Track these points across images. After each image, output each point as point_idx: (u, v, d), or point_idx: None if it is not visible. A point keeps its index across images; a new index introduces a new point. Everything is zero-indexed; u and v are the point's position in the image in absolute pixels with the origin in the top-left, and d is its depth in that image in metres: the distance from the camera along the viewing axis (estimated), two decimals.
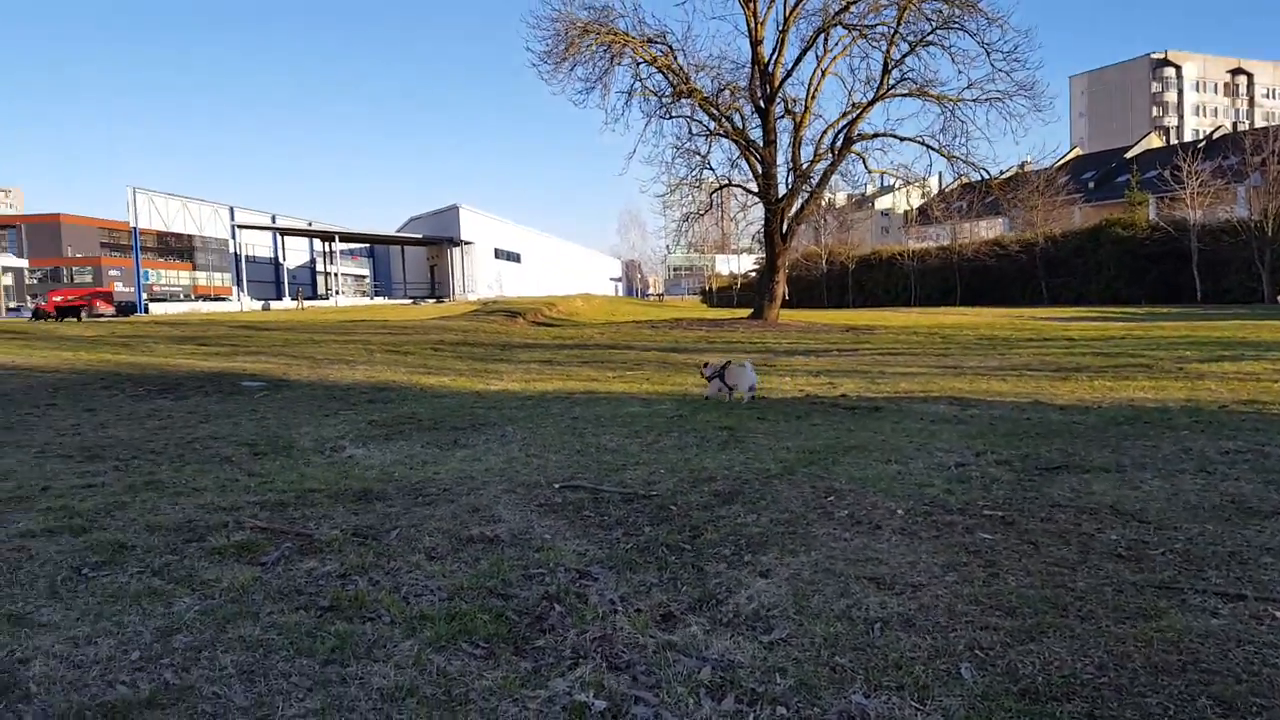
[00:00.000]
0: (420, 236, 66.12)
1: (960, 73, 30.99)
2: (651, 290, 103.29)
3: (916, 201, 63.92)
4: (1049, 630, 3.03)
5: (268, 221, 61.88)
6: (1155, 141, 77.86)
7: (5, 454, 6.51)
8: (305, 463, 6.12)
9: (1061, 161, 62.74)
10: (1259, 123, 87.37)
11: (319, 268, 68.81)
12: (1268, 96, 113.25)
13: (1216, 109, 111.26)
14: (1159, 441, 6.54)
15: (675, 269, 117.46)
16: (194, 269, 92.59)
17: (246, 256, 60.18)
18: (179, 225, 54.69)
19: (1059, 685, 2.62)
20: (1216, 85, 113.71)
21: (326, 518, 4.56)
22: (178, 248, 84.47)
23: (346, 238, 65.22)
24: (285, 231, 62.14)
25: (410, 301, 59.06)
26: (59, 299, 48.10)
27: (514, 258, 76.67)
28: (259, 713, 2.49)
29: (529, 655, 2.86)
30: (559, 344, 20.50)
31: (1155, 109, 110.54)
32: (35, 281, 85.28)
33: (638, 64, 28.34)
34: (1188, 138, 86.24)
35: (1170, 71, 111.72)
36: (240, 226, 58.33)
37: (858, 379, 11.80)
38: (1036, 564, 3.76)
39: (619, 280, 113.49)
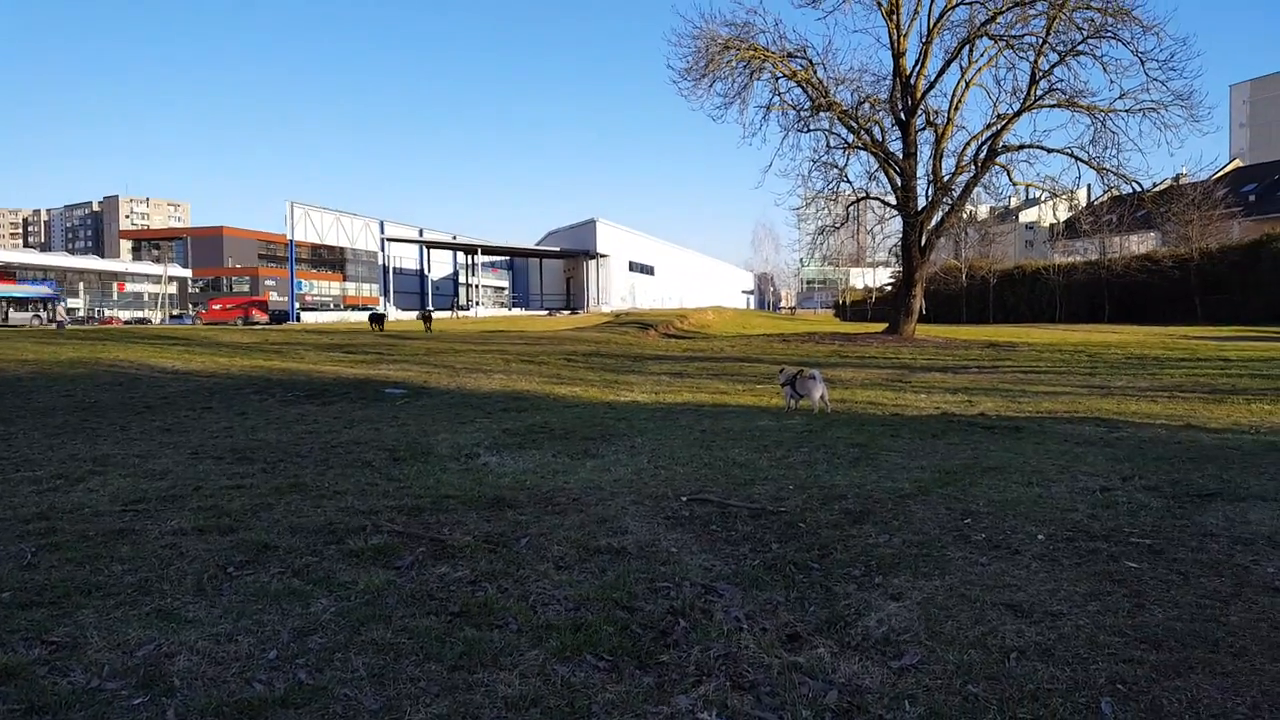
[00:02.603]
0: (558, 250, 68.01)
1: (1112, 82, 29.16)
2: (784, 303, 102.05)
3: (1063, 215, 60.42)
4: (1198, 666, 2.85)
5: (415, 235, 65.22)
6: None
7: (163, 454, 7.05)
8: (441, 469, 6.40)
9: (1220, 173, 57.85)
10: None
11: (461, 279, 71.88)
12: None
13: None
14: None
15: (808, 282, 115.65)
16: (344, 280, 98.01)
17: (394, 269, 63.59)
18: (332, 238, 58.39)
19: None
20: None
21: (460, 524, 4.74)
22: (329, 259, 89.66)
23: (488, 251, 67.85)
24: (431, 245, 65.30)
25: (546, 313, 60.76)
26: (218, 307, 52.36)
27: (647, 270, 77.64)
28: (388, 716, 2.58)
29: (652, 670, 2.88)
30: (689, 356, 20.60)
31: None
32: (197, 290, 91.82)
33: (777, 78, 28.22)
34: None
35: None
36: (389, 240, 61.78)
37: (998, 397, 11.30)
38: (1186, 595, 3.54)
39: (751, 293, 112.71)
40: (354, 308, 74.27)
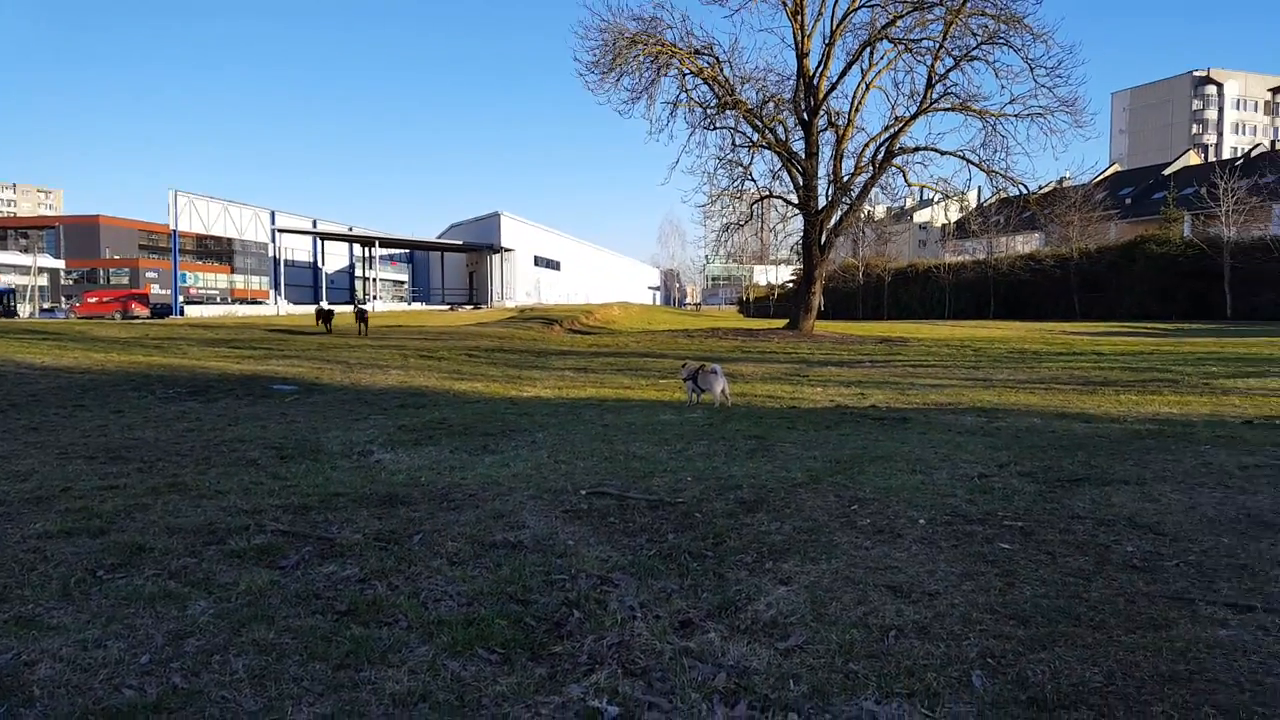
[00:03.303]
0: (460, 243, 66.80)
1: (1003, 88, 30.99)
2: (689, 300, 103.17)
3: (955, 216, 63.36)
4: (1061, 639, 3.03)
5: (308, 226, 62.87)
6: (1194, 159, 76.49)
7: (28, 454, 6.61)
8: (332, 466, 6.22)
9: (1100, 177, 61.86)
10: None
11: (358, 273, 69.80)
12: None
13: (1256, 127, 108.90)
14: (1181, 455, 6.48)
15: (713, 279, 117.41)
16: (232, 272, 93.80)
17: (286, 261, 61.19)
18: (219, 228, 55.72)
19: (1067, 693, 2.63)
20: (1257, 103, 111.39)
21: (350, 522, 4.62)
22: (216, 250, 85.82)
23: (386, 243, 66.07)
24: (326, 236, 63.09)
25: (448, 308, 59.65)
26: (94, 300, 48.93)
27: (553, 265, 77.17)
28: (268, 717, 2.51)
29: (545, 661, 2.89)
30: (594, 351, 20.62)
31: (1195, 126, 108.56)
32: (71, 282, 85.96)
33: (684, 75, 28.53)
34: (1226, 155, 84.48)
35: (1211, 89, 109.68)
36: (281, 230, 59.36)
37: (888, 390, 11.74)
38: (1052, 574, 3.75)
39: (657, 289, 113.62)
40: (243, 301, 71.24)
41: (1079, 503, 5.02)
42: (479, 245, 65.70)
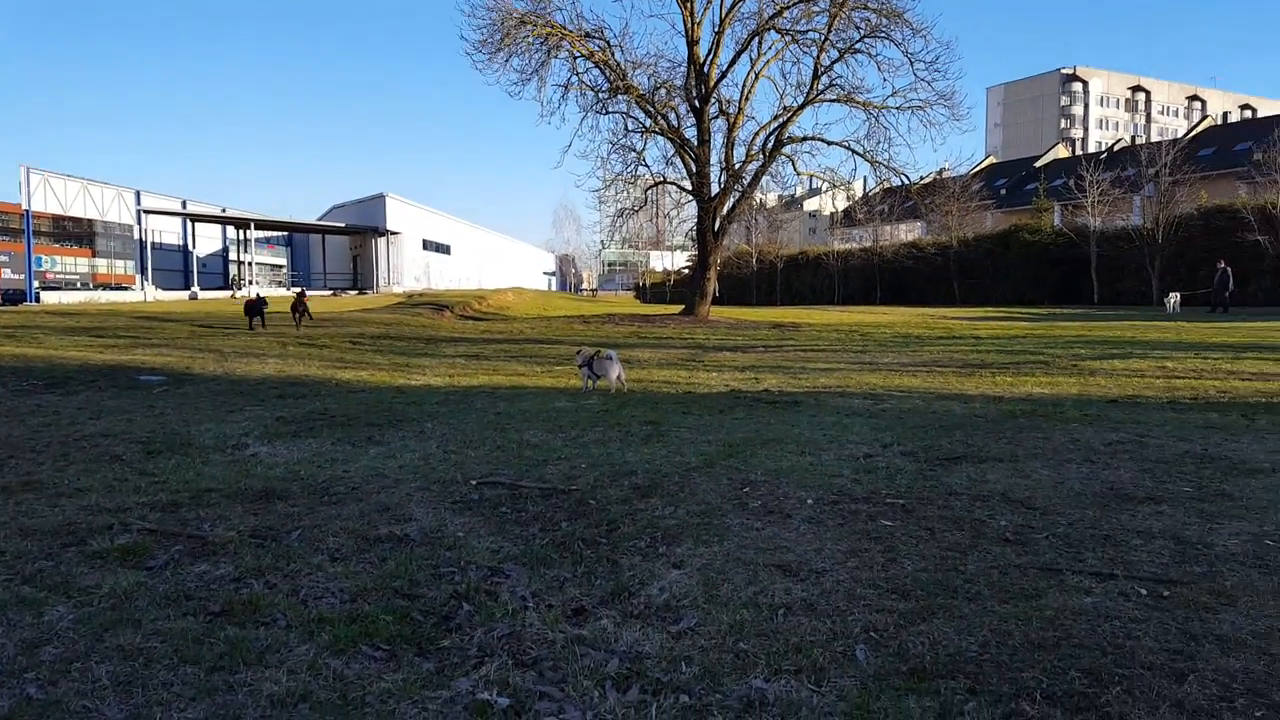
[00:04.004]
0: (343, 225, 64.51)
1: (885, 81, 32.28)
2: (585, 285, 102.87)
3: (842, 204, 65.52)
4: (939, 611, 3.16)
5: (177, 207, 59.48)
6: (1062, 152, 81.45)
7: None
8: (204, 461, 5.89)
9: (977, 169, 65.21)
10: (1154, 137, 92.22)
11: (233, 257, 66.46)
12: (1163, 113, 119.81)
13: (1118, 123, 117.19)
14: (1050, 433, 6.87)
15: (610, 264, 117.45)
16: (94, 256, 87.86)
17: (153, 244, 57.64)
18: (78, 209, 52.12)
19: (944, 663, 2.73)
20: (1119, 100, 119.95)
21: (223, 518, 4.40)
22: (76, 233, 79.98)
23: (263, 225, 63.19)
24: (197, 218, 59.84)
25: (331, 293, 57.54)
26: None
27: (443, 249, 75.43)
28: None
29: (433, 656, 2.82)
30: (487, 338, 20.29)
31: (1063, 121, 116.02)
32: None
33: (575, 58, 28.25)
34: (1091, 149, 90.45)
35: (1078, 86, 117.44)
36: (147, 211, 55.87)
37: (781, 374, 12.00)
38: (931, 549, 3.90)
39: (553, 275, 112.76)
40: (106, 287, 66.82)
41: (956, 480, 5.24)
42: (363, 228, 63.66)
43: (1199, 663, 2.71)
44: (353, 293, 57.33)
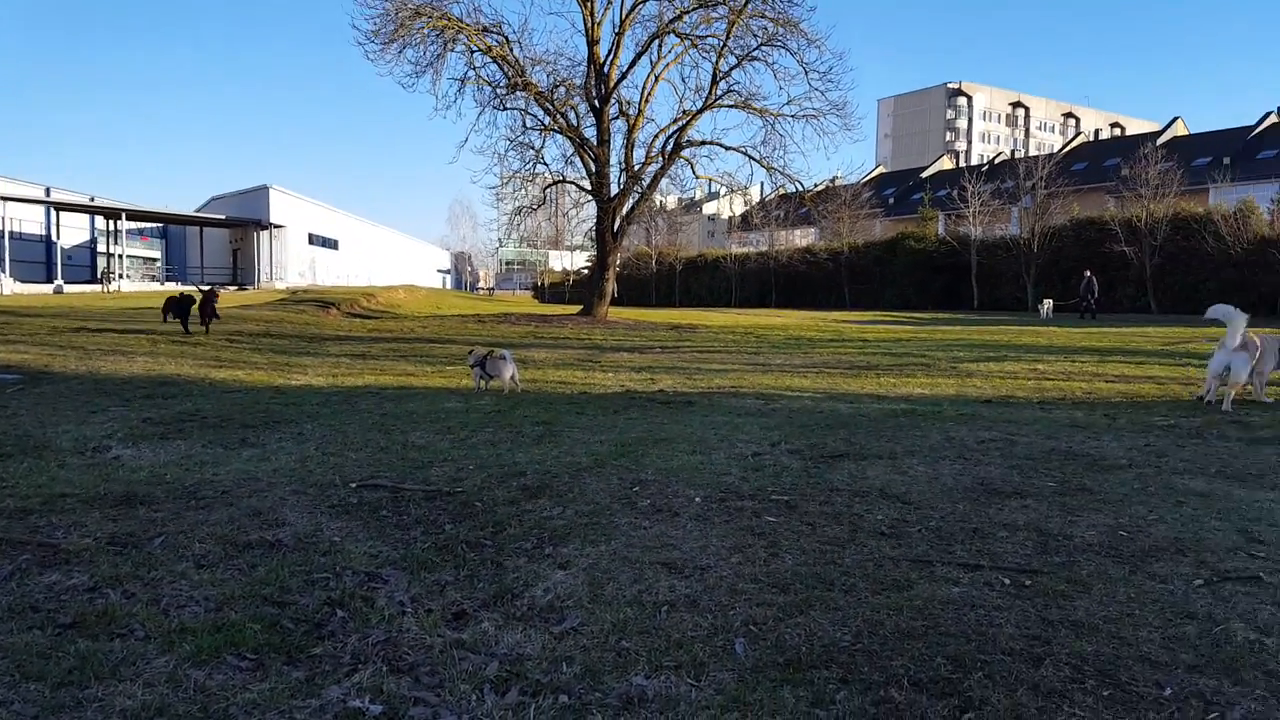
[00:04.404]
0: (223, 218, 61.30)
1: (781, 89, 33.07)
2: (482, 284, 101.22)
3: (739, 208, 66.84)
4: (816, 604, 3.24)
5: (40, 195, 55.31)
6: (947, 164, 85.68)
7: None
8: (59, 465, 5.49)
9: (867, 178, 67.80)
10: (1032, 151, 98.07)
11: (101, 248, 62.20)
12: (1041, 128, 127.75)
13: (1000, 137, 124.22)
14: (928, 432, 7.17)
15: (508, 263, 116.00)
16: None
17: (11, 233, 53.37)
18: None
19: (819, 654, 2.81)
20: (1000, 115, 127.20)
21: (78, 525, 4.11)
22: None
23: (135, 216, 59.35)
24: (61, 206, 55.67)
25: (207, 288, 54.49)
26: None
27: (330, 244, 72.72)
28: None
29: (303, 664, 2.71)
30: (375, 337, 19.70)
31: (949, 134, 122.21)
32: None
33: (472, 52, 27.78)
34: (974, 161, 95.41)
35: (963, 101, 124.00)
36: (3, 199, 51.69)
37: (676, 375, 12.12)
38: (811, 543, 4.01)
39: (448, 272, 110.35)
40: None
41: (838, 476, 5.40)
42: (245, 220, 60.72)
43: (1055, 647, 2.87)
44: (232, 288, 54.51)
